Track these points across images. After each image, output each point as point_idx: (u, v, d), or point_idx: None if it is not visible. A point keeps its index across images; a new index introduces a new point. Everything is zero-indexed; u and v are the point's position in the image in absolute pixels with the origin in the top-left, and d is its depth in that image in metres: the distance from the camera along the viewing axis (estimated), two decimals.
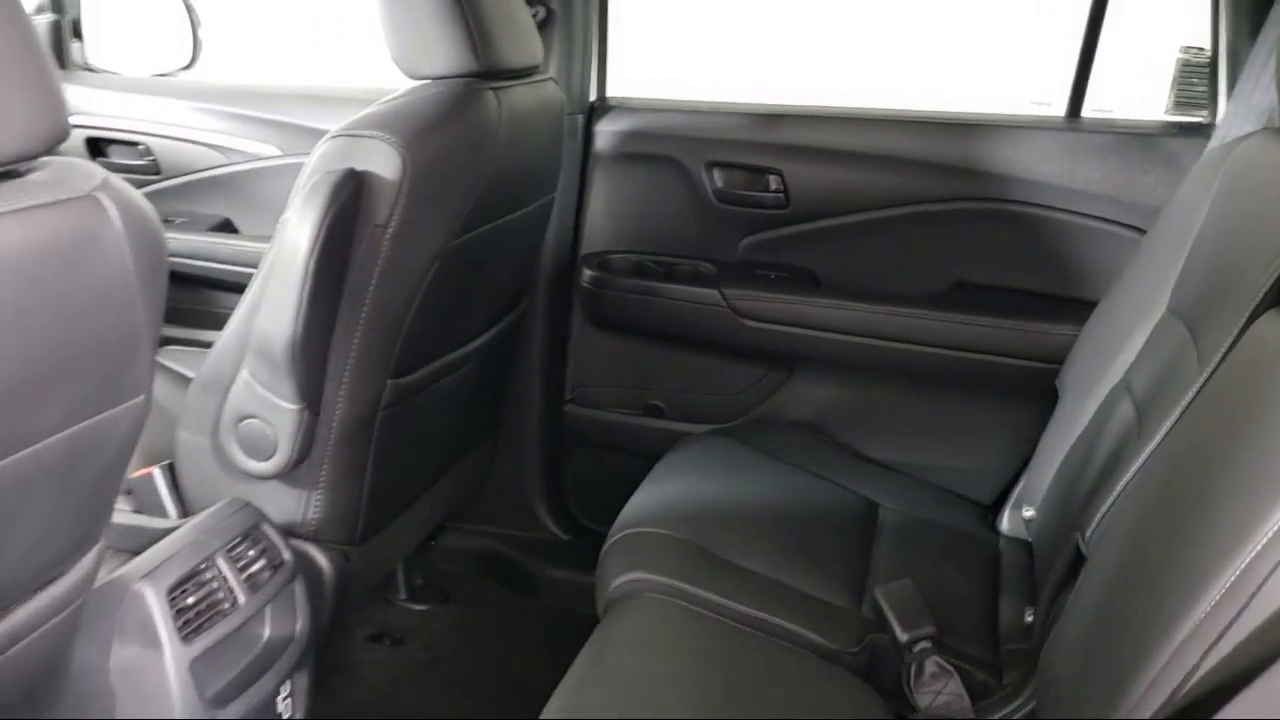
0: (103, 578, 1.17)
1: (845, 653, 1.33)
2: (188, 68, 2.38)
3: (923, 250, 1.91)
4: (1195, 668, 0.81)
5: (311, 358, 1.38)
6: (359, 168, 1.36)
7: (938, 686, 1.31)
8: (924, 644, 1.33)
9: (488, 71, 1.47)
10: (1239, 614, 0.78)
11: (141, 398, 0.93)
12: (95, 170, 0.83)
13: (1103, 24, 1.84)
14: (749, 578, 1.42)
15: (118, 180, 0.85)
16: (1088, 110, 1.91)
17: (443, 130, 1.41)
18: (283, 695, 1.40)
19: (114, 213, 0.81)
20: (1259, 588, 0.77)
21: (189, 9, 2.37)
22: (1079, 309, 1.70)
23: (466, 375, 1.71)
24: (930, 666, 1.32)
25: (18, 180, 0.75)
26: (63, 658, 1.06)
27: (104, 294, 0.82)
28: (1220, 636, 0.79)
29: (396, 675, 1.86)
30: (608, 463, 2.11)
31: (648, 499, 1.59)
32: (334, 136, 1.39)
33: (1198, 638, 0.81)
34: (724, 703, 1.20)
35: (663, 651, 1.27)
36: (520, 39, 1.57)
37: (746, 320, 1.93)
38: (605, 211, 2.03)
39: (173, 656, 1.18)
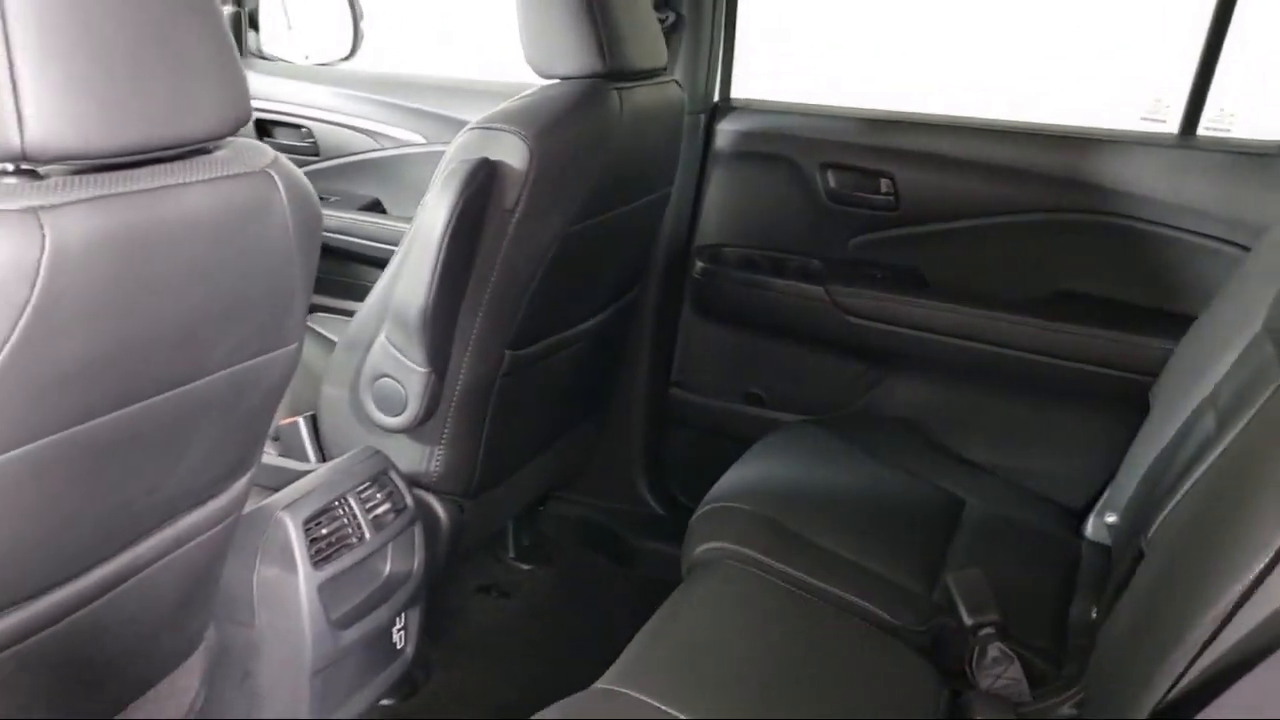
0: (251, 507, 1.35)
1: (910, 630, 1.42)
2: (348, 58, 2.59)
3: (1026, 258, 1.96)
4: (1198, 658, 0.88)
5: (440, 326, 1.54)
6: (492, 157, 1.51)
7: (998, 670, 1.39)
8: (988, 630, 1.40)
9: (613, 73, 1.60)
10: (1243, 608, 0.85)
11: (294, 345, 1.09)
12: (267, 150, 0.99)
13: (1224, 41, 1.85)
14: (824, 555, 1.51)
15: (285, 159, 1.00)
16: (1205, 125, 1.92)
17: (567, 126, 1.55)
18: (397, 627, 1.57)
19: (281, 186, 0.97)
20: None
21: (352, 3, 2.58)
22: (1177, 323, 1.73)
23: (579, 353, 1.85)
24: (993, 651, 1.39)
25: (207, 156, 0.91)
26: (215, 569, 1.24)
27: (269, 254, 0.97)
28: (1224, 629, 0.86)
29: (500, 623, 2.02)
30: (707, 446, 2.22)
31: (737, 477, 1.70)
32: (471, 128, 1.54)
33: (1212, 631, 0.88)
34: (786, 663, 1.30)
35: (733, 613, 1.38)
36: (646, 43, 1.69)
37: (849, 316, 2.01)
38: (721, 207, 2.14)
39: (305, 578, 1.35)
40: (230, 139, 0.95)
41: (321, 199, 2.38)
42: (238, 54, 0.92)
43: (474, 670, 1.88)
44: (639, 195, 1.78)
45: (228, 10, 2.57)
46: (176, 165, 0.87)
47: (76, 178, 0.78)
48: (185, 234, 0.87)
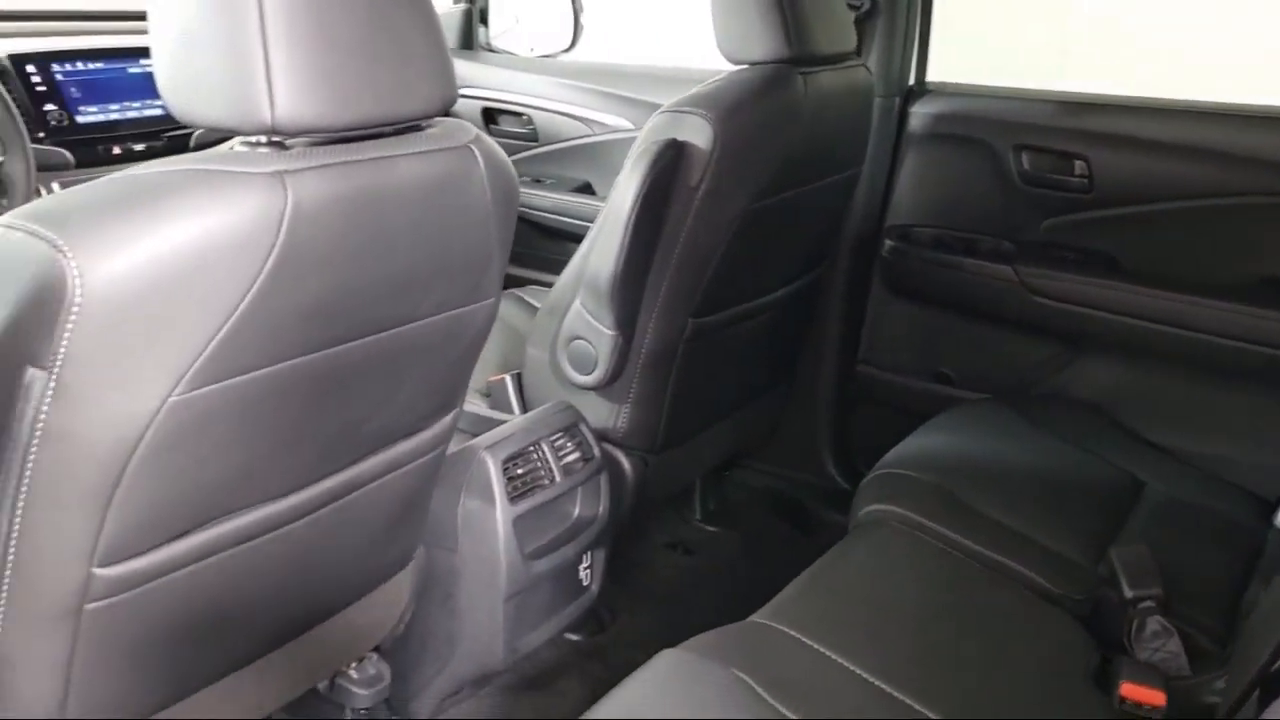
0: (457, 447, 1.54)
1: (1067, 598, 1.45)
2: (568, 50, 2.78)
3: (1228, 243, 1.91)
4: None
5: (628, 293, 1.68)
6: (679, 138, 1.63)
7: (1157, 644, 1.40)
8: (1148, 603, 1.41)
9: (799, 58, 1.69)
10: None
11: (491, 300, 1.24)
12: (470, 129, 1.14)
13: None
14: (989, 524, 1.56)
15: (486, 137, 1.16)
16: None
17: (751, 108, 1.65)
18: (584, 565, 1.72)
19: (481, 160, 1.12)
20: None
21: None
22: None
23: (762, 325, 1.95)
24: (1153, 625, 1.41)
25: (420, 132, 1.07)
26: (424, 495, 1.42)
27: (470, 218, 1.13)
28: None
29: (683, 577, 2.15)
30: (893, 422, 2.26)
31: (911, 446, 1.76)
32: (661, 112, 1.67)
33: None
34: (934, 616, 1.37)
35: (890, 568, 1.46)
36: (833, 30, 1.77)
37: (1038, 297, 2.02)
38: (913, 187, 2.19)
39: (502, 511, 1.52)
40: (440, 119, 1.12)
41: (537, 181, 2.59)
42: (446, 43, 1.08)
43: (656, 617, 2.02)
44: (823, 175, 1.86)
45: (461, 7, 2.81)
46: (395, 139, 1.04)
47: (314, 148, 0.96)
48: (400, 197, 1.03)
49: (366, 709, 1.54)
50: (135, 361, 0.89)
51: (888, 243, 2.20)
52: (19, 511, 0.93)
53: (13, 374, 0.88)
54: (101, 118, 1.94)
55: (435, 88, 1.05)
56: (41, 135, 1.83)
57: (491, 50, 2.82)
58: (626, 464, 1.81)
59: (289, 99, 0.91)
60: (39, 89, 1.87)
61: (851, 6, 2.03)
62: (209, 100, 0.92)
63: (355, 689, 1.50)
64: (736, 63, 1.73)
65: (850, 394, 2.32)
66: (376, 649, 1.56)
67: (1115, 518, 1.63)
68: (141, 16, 2.35)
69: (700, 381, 1.87)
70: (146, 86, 2.01)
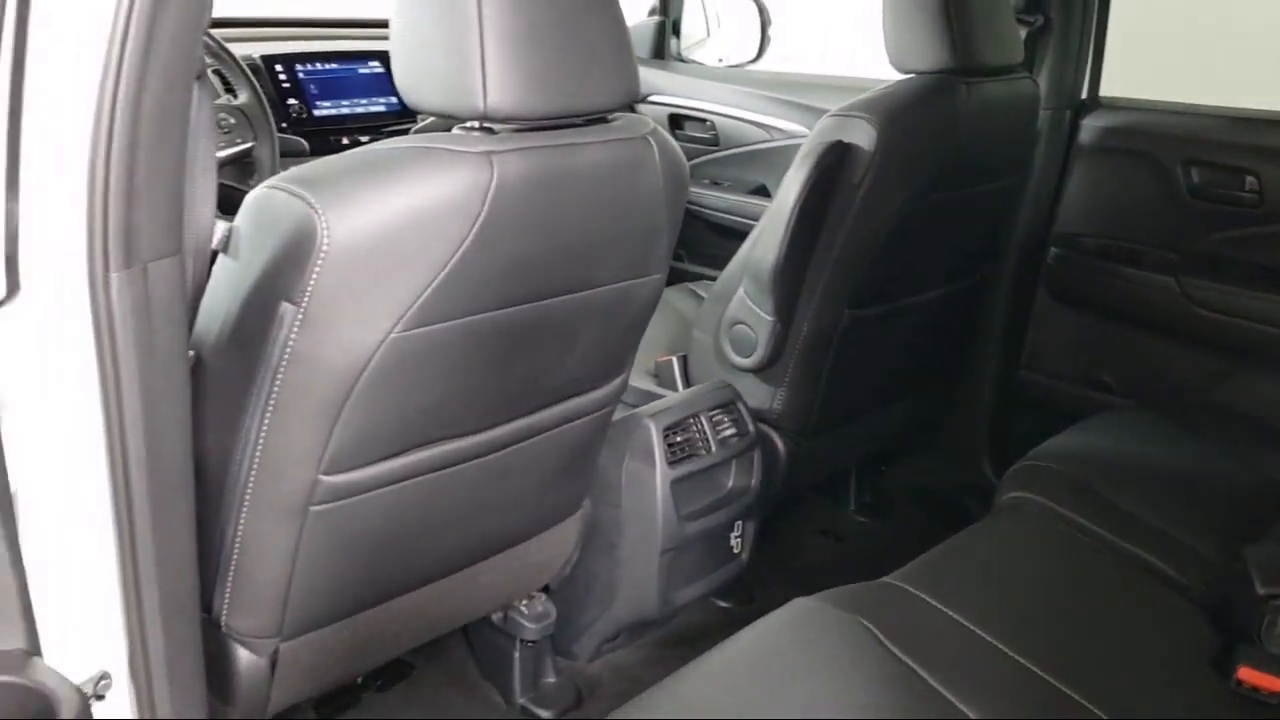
0: (623, 415, 1.70)
1: (1196, 589, 1.49)
2: (754, 61, 2.93)
3: None
4: None
5: (788, 281, 1.81)
6: (845, 140, 1.76)
7: None
8: None
9: (963, 68, 1.79)
10: None
11: (658, 276, 1.40)
12: (648, 122, 1.31)
13: None
14: (1123, 516, 1.61)
15: (662, 131, 1.32)
16: None
17: (913, 114, 1.76)
18: (734, 534, 1.86)
19: (656, 150, 1.29)
20: None
21: (762, 12, 2.92)
22: None
23: (917, 322, 2.04)
24: None
25: (605, 124, 1.25)
26: (592, 449, 1.59)
27: (643, 199, 1.29)
28: None
29: (832, 561, 2.26)
30: (1052, 427, 2.30)
31: (1058, 442, 1.82)
32: (829, 116, 1.80)
33: None
34: (1058, 593, 1.44)
35: (1020, 546, 1.54)
36: (1000, 43, 1.86)
37: (1200, 309, 2.04)
38: (1081, 198, 2.23)
39: (661, 473, 1.68)
40: (622, 114, 1.28)
41: (715, 183, 2.75)
42: (631, 47, 1.24)
43: (803, 592, 2.13)
44: (982, 181, 1.94)
45: (655, 20, 3.00)
46: (584, 128, 1.21)
47: (516, 134, 1.14)
48: (585, 178, 1.21)
49: (533, 642, 1.72)
50: (366, 301, 1.09)
51: (1053, 250, 2.25)
52: (266, 421, 1.14)
53: (269, 306, 1.10)
54: (334, 112, 2.21)
55: (619, 85, 1.21)
56: (284, 125, 2.10)
57: (681, 60, 3.00)
58: (780, 443, 1.93)
59: (499, 91, 1.09)
60: (284, 85, 2.16)
61: (1024, 22, 2.11)
62: (435, 90, 1.11)
63: (525, 622, 1.69)
64: (904, 71, 1.84)
65: (1010, 398, 2.37)
66: (545, 589, 1.75)
67: (1256, 522, 1.64)
68: (370, 24, 2.65)
69: (854, 371, 1.98)
70: (373, 86, 2.28)
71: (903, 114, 1.76)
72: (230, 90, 1.96)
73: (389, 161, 1.09)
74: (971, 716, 1.17)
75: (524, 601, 1.71)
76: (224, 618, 1.27)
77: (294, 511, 1.20)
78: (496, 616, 1.72)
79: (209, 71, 1.78)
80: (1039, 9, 2.14)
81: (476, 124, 1.14)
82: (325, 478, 1.19)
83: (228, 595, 1.25)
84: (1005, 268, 2.26)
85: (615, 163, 1.24)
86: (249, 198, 1.11)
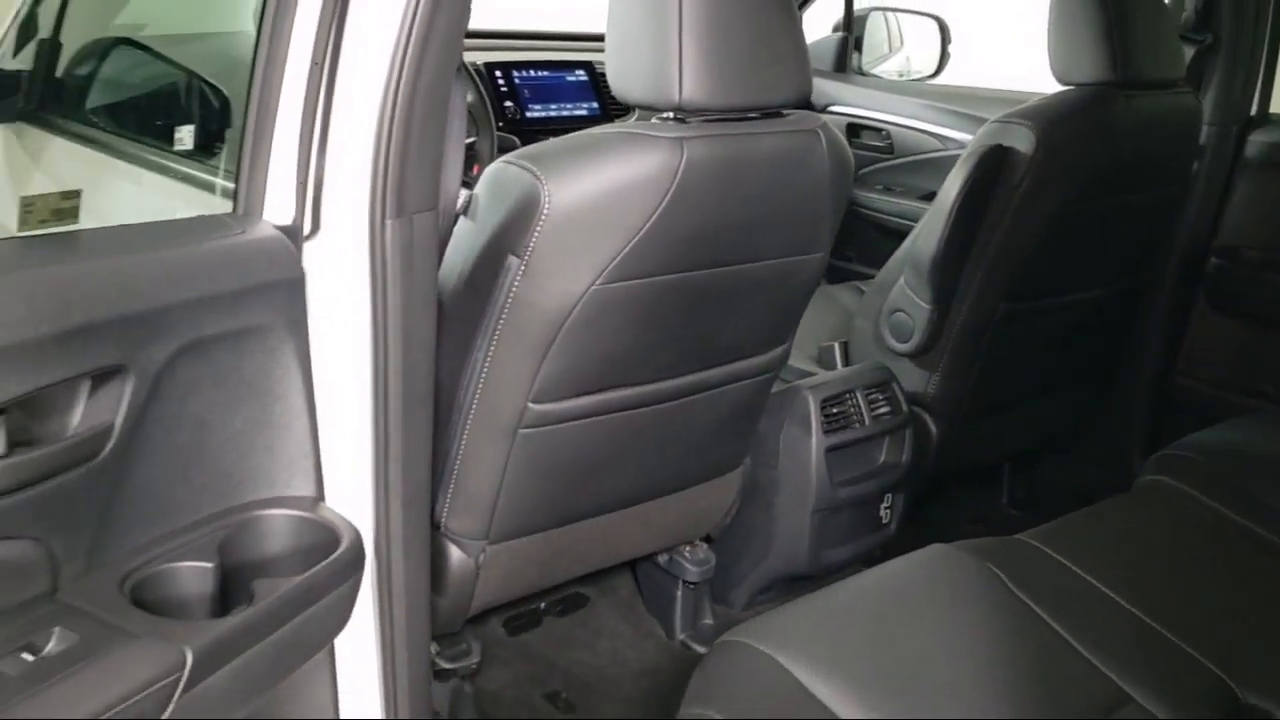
0: (781, 388, 1.90)
1: None
2: (934, 76, 3.08)
3: None
4: None
5: (947, 272, 1.97)
6: (1004, 144, 1.91)
7: None
8: None
9: (1122, 81, 1.91)
10: None
11: (820, 255, 1.60)
12: (819, 118, 1.50)
13: None
14: (1263, 507, 1.69)
15: (831, 126, 1.52)
16: None
17: (1071, 123, 1.89)
18: (884, 505, 2.03)
19: (824, 142, 1.48)
20: None
21: (943, 28, 3.06)
22: None
23: (1071, 320, 2.16)
24: None
25: (780, 118, 1.45)
26: (754, 409, 1.78)
27: (808, 185, 1.49)
28: None
29: None
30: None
31: (1204, 435, 1.90)
32: (992, 122, 1.95)
33: None
34: (1192, 570, 1.53)
35: (1156, 524, 1.64)
36: (1161, 57, 1.97)
37: None
38: (1245, 210, 2.29)
39: (816, 440, 1.87)
40: (793, 111, 1.48)
41: (888, 189, 2.90)
42: (806, 50, 1.44)
43: None
44: (1141, 190, 2.05)
45: (838, 35, 3.18)
46: (760, 121, 1.42)
47: (704, 124, 1.36)
48: (759, 163, 1.41)
49: (694, 584, 1.94)
50: (575, 256, 1.33)
51: (1215, 261, 2.31)
52: (490, 354, 1.40)
53: (499, 259, 1.35)
54: (543, 114, 2.50)
55: (794, 83, 1.41)
56: (500, 125, 2.39)
57: (861, 74, 3.17)
58: (932, 425, 2.09)
59: (692, 87, 1.31)
60: (502, 89, 2.45)
61: (1193, 40, 2.20)
62: (638, 85, 1.34)
63: (688, 564, 1.91)
64: (1066, 83, 1.98)
65: (1166, 402, 2.44)
66: (708, 540, 1.96)
67: None
68: (577, 37, 2.94)
69: (1008, 362, 2.11)
70: (578, 92, 2.56)
71: (1062, 121, 1.90)
72: None
73: (599, 143, 1.33)
74: (1095, 663, 1.27)
75: (688, 547, 1.92)
76: (443, 520, 1.53)
77: (506, 432, 1.46)
78: (663, 559, 1.94)
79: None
80: (1208, 28, 2.22)
81: (671, 114, 1.36)
82: (533, 405, 1.44)
83: (448, 500, 1.52)
84: (1165, 275, 2.34)
85: (786, 151, 1.45)
86: (487, 170, 1.37)
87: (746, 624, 1.28)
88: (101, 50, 1.85)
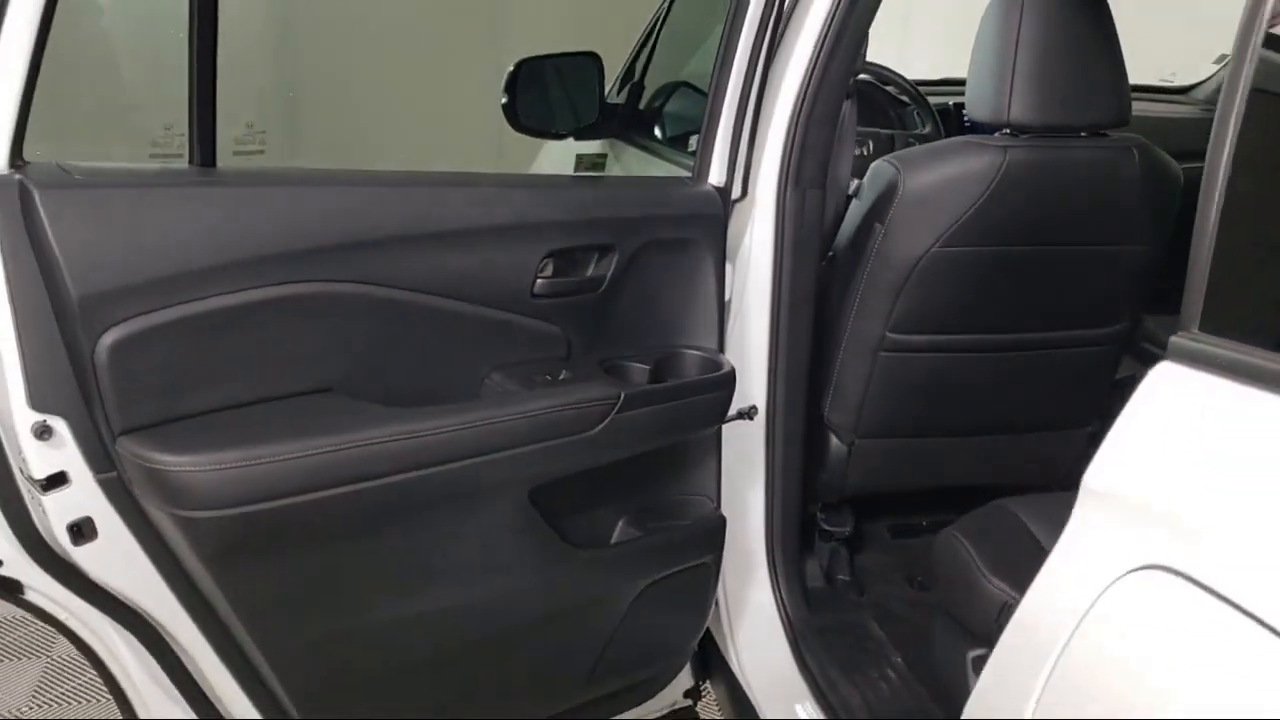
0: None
1: None
2: None
3: None
4: None
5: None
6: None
7: None
8: None
9: (1019, 126, 1.83)
10: None
11: (1139, 247, 1.97)
12: (1138, 139, 1.90)
13: None
14: None
15: (1152, 148, 1.89)
16: None
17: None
18: None
19: (1136, 158, 1.87)
20: None
21: None
22: None
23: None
24: None
25: (1100, 137, 1.88)
26: (1096, 381, 2.18)
27: (1117, 191, 1.89)
28: None
29: None
30: None
31: None
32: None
33: None
34: None
35: None
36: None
37: None
38: None
39: None
40: (1116, 132, 1.89)
41: None
42: (1125, 75, 1.82)
43: None
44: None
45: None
46: (1078, 139, 1.87)
47: (1025, 136, 1.86)
48: (1070, 167, 1.85)
49: None
50: (919, 227, 1.90)
51: None
52: (861, 291, 2.02)
53: (870, 226, 1.97)
54: None
55: (1111, 107, 1.84)
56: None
57: None
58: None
59: (1020, 105, 1.80)
60: (966, 126, 3.02)
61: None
62: (981, 107, 1.87)
63: None
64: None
65: None
66: None
67: None
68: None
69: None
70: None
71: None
72: (920, 123, 2.90)
73: (945, 148, 1.91)
74: None
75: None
76: (826, 413, 2.18)
77: (870, 351, 2.05)
78: None
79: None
80: None
81: (1004, 130, 1.88)
82: (890, 334, 2.02)
83: (829, 398, 2.15)
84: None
85: (1098, 161, 1.85)
86: (870, 166, 2.01)
87: None
88: (668, 90, 2.69)
